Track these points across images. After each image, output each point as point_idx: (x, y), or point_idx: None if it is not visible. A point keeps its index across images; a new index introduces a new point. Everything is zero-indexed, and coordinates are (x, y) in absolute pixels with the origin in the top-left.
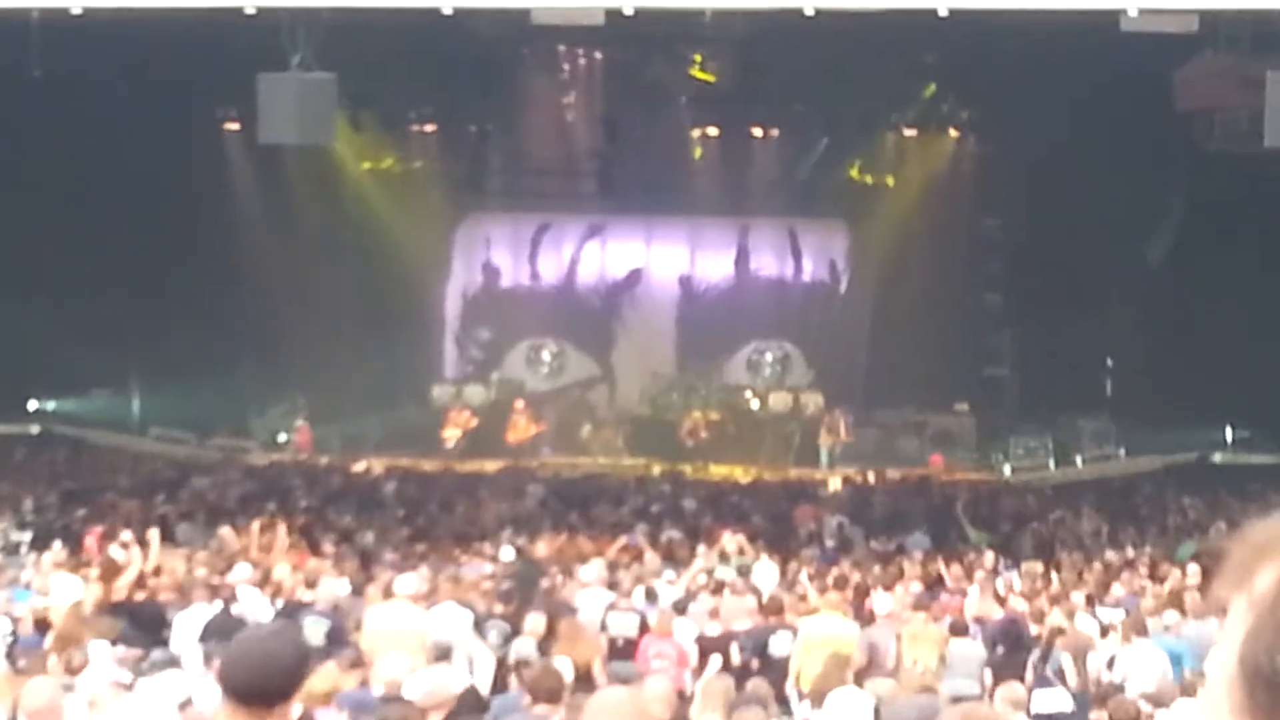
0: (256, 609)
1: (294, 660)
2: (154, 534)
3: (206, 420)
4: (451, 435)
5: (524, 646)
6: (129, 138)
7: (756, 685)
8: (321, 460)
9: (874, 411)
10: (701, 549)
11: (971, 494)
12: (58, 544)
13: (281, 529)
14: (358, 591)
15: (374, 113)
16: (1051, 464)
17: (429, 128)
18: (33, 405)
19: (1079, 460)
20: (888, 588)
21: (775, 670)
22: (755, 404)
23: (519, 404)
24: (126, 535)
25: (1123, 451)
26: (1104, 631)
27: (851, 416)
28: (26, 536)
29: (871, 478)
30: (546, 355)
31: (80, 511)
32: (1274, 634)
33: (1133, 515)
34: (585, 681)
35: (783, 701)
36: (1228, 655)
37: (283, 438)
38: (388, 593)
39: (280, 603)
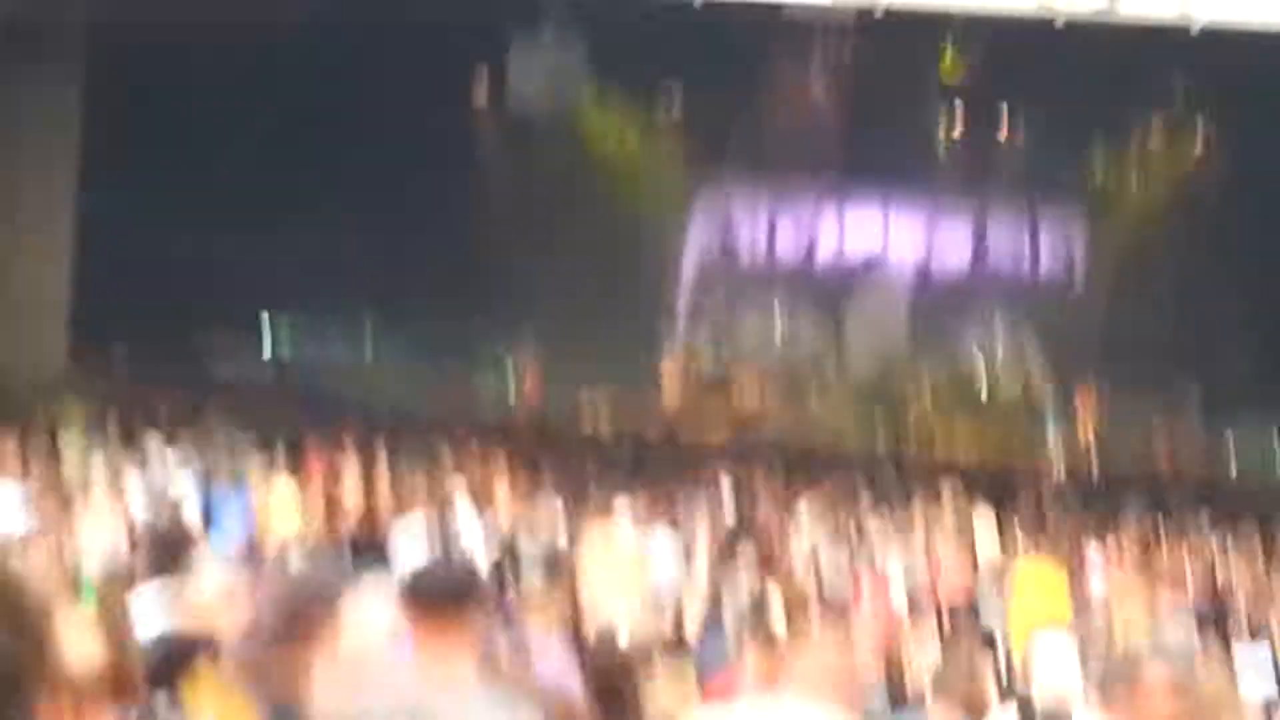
0: (469, 521)
1: (470, 574)
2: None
3: (435, 363)
4: (674, 399)
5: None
6: (379, 95)
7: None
8: (545, 417)
9: (1107, 400)
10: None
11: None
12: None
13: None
14: (573, 519)
15: (621, 85)
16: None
17: (674, 103)
18: (267, 347)
19: None
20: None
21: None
22: (986, 389)
23: (751, 374)
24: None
25: None
26: None
27: (1086, 404)
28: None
29: (1096, 463)
30: (778, 327)
31: (305, 441)
32: None
33: None
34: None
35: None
36: None
37: (509, 393)
38: (603, 523)
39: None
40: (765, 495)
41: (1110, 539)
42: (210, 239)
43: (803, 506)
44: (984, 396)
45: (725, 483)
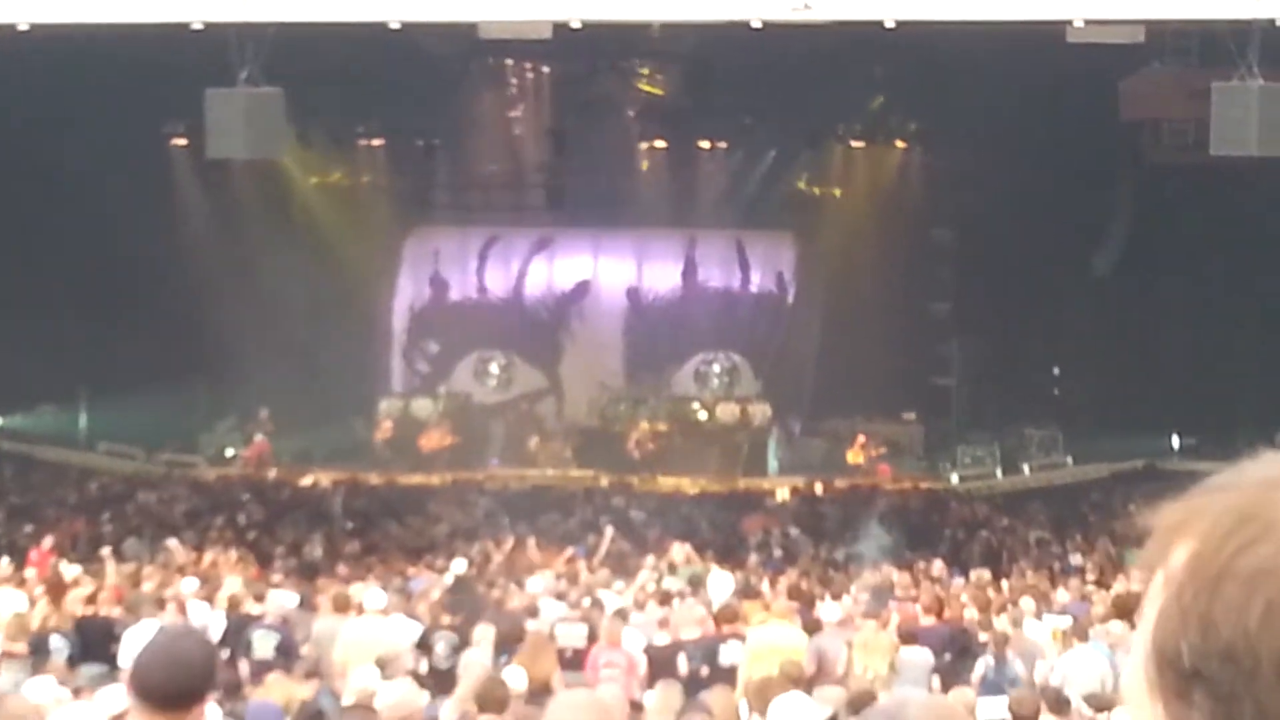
0: (205, 622)
1: (204, 660)
2: (106, 553)
3: (154, 435)
4: (386, 443)
5: (474, 657)
6: (76, 153)
7: (706, 695)
8: (269, 474)
9: (822, 421)
10: (650, 559)
11: (920, 502)
12: (4, 560)
13: (228, 543)
14: (306, 605)
15: (322, 127)
16: (999, 472)
17: (376, 142)
18: None
19: (1026, 468)
20: (836, 596)
21: (724, 679)
22: (703, 415)
23: (467, 415)
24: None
25: (1070, 459)
26: (1051, 637)
27: (799, 426)
28: None
29: (819, 488)
30: (494, 368)
31: (27, 527)
32: (1180, 617)
33: (1080, 522)
34: (542, 693)
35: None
36: (1142, 637)
37: (230, 452)
38: (339, 605)
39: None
40: (497, 563)
41: (842, 585)
42: None
43: (536, 580)
44: (703, 424)
45: (453, 553)
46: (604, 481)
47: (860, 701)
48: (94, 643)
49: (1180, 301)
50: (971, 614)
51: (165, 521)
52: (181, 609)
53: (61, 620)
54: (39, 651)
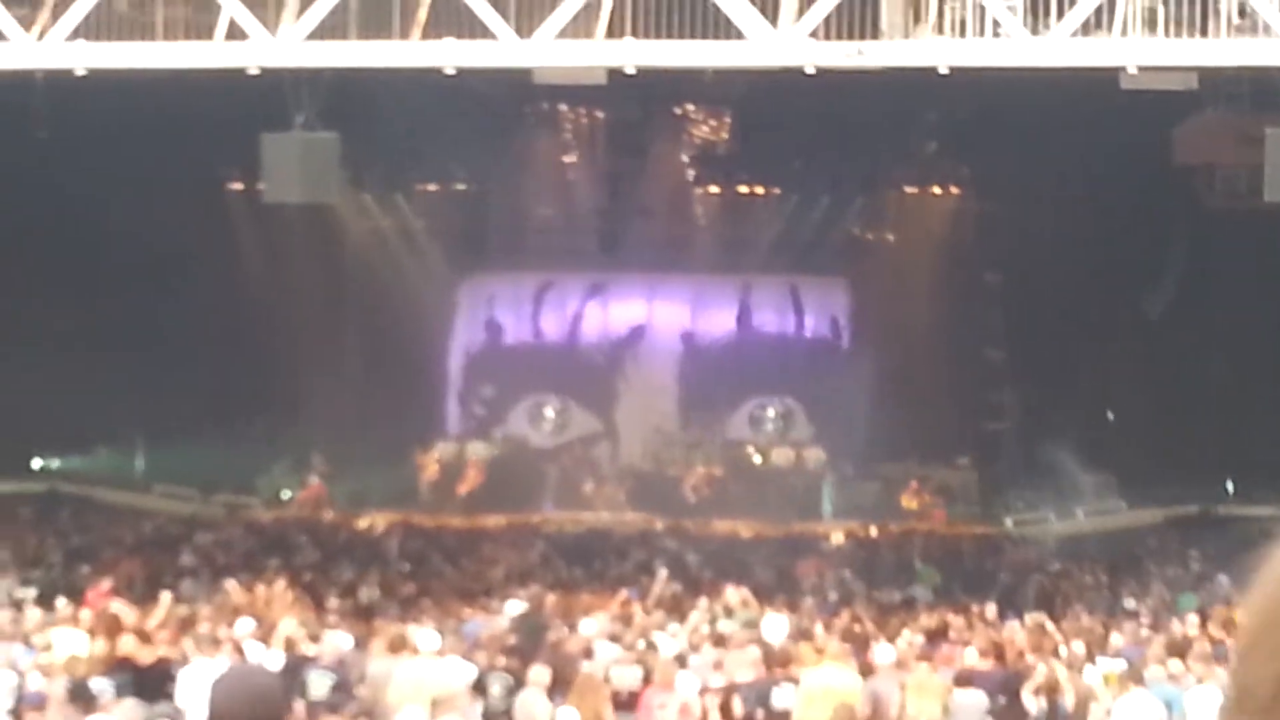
0: (256, 648)
1: (278, 693)
2: (165, 596)
3: (210, 477)
4: (431, 485)
5: (530, 698)
6: (134, 197)
7: None
8: (325, 516)
9: (875, 466)
10: (703, 602)
11: (975, 546)
12: (61, 601)
13: (284, 585)
14: (361, 646)
15: (377, 172)
16: (1053, 517)
17: (431, 186)
18: (38, 464)
19: (1080, 513)
20: (890, 638)
21: None
22: (758, 459)
23: (523, 460)
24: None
25: (1124, 504)
26: (1105, 681)
27: (853, 470)
28: (31, 594)
29: (873, 531)
30: (550, 412)
31: (84, 569)
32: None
33: (1135, 567)
34: None
35: None
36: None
37: (286, 494)
38: (394, 647)
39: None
40: (552, 605)
41: (898, 629)
42: None
43: (591, 623)
44: (758, 468)
45: (509, 595)
46: (659, 525)
47: None
48: (151, 683)
49: (1234, 347)
50: (1026, 658)
51: (221, 563)
52: (238, 650)
53: (115, 662)
54: (82, 695)
